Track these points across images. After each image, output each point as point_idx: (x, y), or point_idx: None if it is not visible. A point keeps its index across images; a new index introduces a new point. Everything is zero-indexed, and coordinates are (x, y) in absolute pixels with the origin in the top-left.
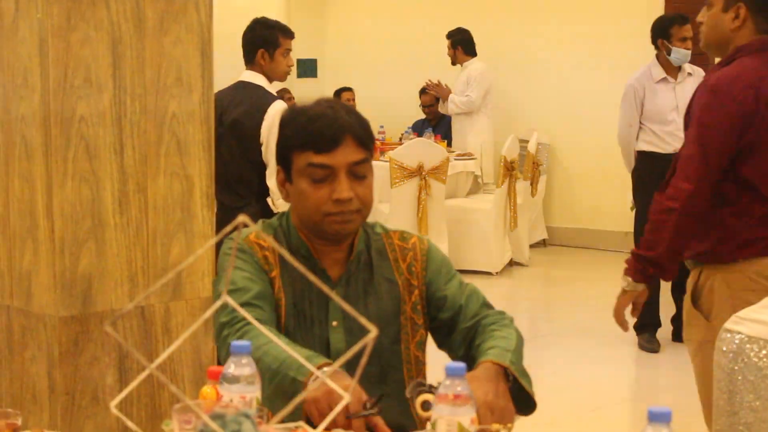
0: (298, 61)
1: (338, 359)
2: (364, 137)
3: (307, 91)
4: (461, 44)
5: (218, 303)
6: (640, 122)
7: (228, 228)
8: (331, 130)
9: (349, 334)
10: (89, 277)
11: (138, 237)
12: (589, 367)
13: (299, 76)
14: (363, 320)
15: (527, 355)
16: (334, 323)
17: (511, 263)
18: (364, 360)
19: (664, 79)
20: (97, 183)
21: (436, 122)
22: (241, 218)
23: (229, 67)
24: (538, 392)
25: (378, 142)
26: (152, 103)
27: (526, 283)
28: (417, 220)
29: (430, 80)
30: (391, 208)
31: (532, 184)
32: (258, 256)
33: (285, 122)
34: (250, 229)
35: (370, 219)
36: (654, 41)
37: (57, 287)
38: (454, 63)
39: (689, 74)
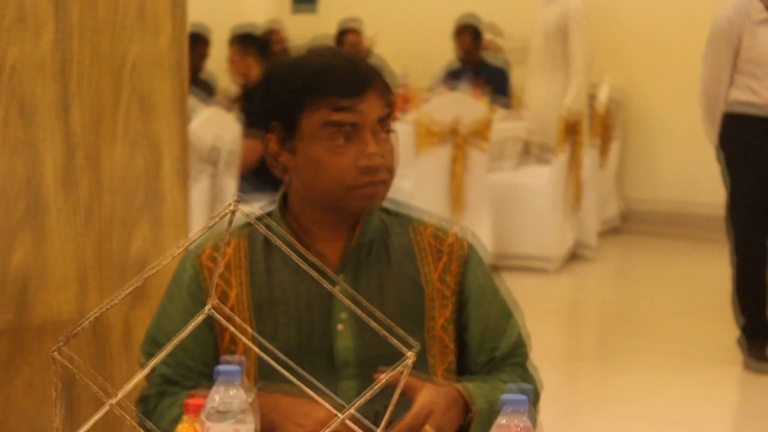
0: None
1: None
2: (388, 88)
3: (304, 30)
4: None
5: (200, 316)
6: (732, 75)
7: (217, 218)
8: (353, 80)
9: (359, 340)
10: (24, 278)
11: (88, 225)
12: (677, 392)
13: (294, 11)
14: (401, 332)
15: (596, 378)
16: (340, 327)
17: (574, 256)
18: (396, 394)
19: (766, 20)
20: (34, 155)
21: (475, 71)
22: (232, 207)
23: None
24: (611, 419)
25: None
26: (106, 47)
27: (592, 282)
28: (450, 200)
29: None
30: (415, 184)
31: (601, 153)
32: (205, 285)
33: (285, 75)
34: (206, 241)
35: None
36: None
37: None
38: None
39: None
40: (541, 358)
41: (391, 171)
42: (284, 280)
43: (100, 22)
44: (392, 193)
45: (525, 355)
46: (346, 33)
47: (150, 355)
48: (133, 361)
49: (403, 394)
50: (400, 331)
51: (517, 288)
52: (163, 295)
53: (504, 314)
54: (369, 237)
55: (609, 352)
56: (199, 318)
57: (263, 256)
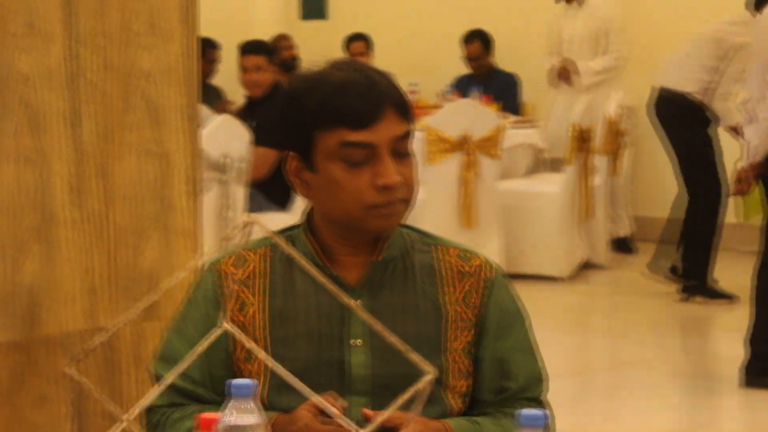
0: None
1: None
2: (406, 105)
3: (313, 38)
4: None
5: (215, 333)
6: None
7: (231, 230)
8: (370, 99)
9: (375, 357)
10: (35, 290)
11: (99, 237)
12: (689, 410)
13: (304, 17)
14: (416, 358)
15: (600, 390)
16: (358, 342)
17: (586, 265)
18: (418, 410)
19: None
20: (44, 165)
21: (485, 78)
22: (246, 218)
23: (220, 7)
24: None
25: None
26: (117, 56)
27: (604, 292)
28: (460, 208)
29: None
30: (425, 193)
31: (613, 161)
32: (224, 292)
33: (300, 93)
34: (228, 251)
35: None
36: None
37: None
38: None
39: None
40: (550, 368)
41: (411, 188)
42: (305, 290)
43: (110, 31)
44: None
45: (541, 391)
46: (353, 41)
47: (163, 361)
48: (144, 373)
49: (390, 427)
50: (417, 357)
51: (528, 296)
52: (184, 301)
53: (525, 346)
54: (393, 253)
55: (619, 361)
56: (215, 334)
57: (285, 266)
